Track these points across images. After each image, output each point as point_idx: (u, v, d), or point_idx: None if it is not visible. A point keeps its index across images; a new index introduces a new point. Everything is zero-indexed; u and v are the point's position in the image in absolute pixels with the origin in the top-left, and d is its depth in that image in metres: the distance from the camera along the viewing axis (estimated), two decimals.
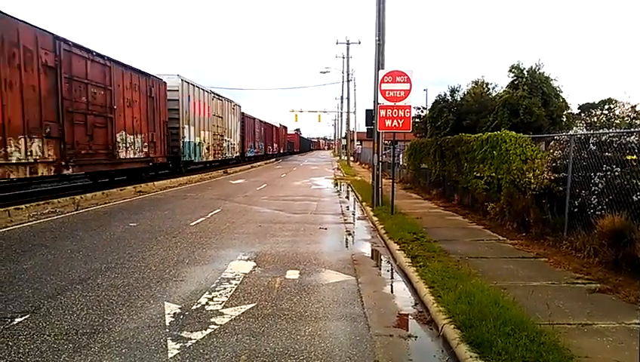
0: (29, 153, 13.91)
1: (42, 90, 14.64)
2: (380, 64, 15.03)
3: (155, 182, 23.12)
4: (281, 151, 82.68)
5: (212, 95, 34.60)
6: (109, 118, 19.03)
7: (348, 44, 53.67)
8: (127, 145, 20.81)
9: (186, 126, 28.42)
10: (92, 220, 13.03)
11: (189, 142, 29.03)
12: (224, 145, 38.46)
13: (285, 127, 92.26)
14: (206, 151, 32.83)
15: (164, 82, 25.42)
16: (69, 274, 7.51)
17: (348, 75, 56.82)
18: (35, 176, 14.68)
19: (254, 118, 54.80)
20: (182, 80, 27.55)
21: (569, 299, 6.24)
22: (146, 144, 22.75)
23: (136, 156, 21.65)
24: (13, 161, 13.33)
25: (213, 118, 34.66)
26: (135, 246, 9.74)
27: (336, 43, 55.71)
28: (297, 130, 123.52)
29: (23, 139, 13.66)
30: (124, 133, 20.42)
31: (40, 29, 14.67)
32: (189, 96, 28.67)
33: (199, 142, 31.08)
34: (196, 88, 30.32)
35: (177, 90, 27.00)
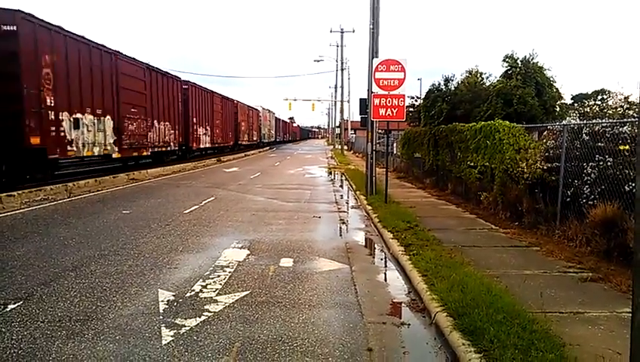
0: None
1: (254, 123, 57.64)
2: (374, 52, 14.98)
3: (149, 170, 23.08)
4: (289, 139, 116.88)
5: (267, 110, 71.51)
6: (254, 126, 58.61)
7: (342, 32, 53.46)
8: (248, 136, 54.85)
9: (262, 126, 65.65)
10: (85, 207, 12.98)
11: (263, 133, 66.32)
12: (270, 134, 74.89)
13: (292, 121, 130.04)
14: (266, 137, 69.53)
15: (258, 110, 61.62)
16: (62, 262, 7.49)
17: (342, 63, 56.74)
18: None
19: (279, 118, 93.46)
20: (262, 107, 65.25)
21: (561, 287, 6.29)
22: (256, 135, 60.06)
23: (255, 139, 60.07)
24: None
25: (267, 122, 71.24)
26: (128, 233, 9.72)
27: (330, 31, 55.53)
28: (291, 118, 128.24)
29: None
30: (251, 131, 56.70)
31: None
32: (262, 112, 65.32)
33: (264, 133, 68.04)
34: (265, 109, 68.18)
35: (260, 111, 63.88)
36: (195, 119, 33.42)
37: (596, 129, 8.94)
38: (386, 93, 13.33)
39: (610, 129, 8.59)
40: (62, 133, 16.64)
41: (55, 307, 5.56)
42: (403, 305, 6.14)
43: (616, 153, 8.11)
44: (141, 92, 23.86)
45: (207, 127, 37.16)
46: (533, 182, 10.10)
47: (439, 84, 20.91)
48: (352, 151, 57.81)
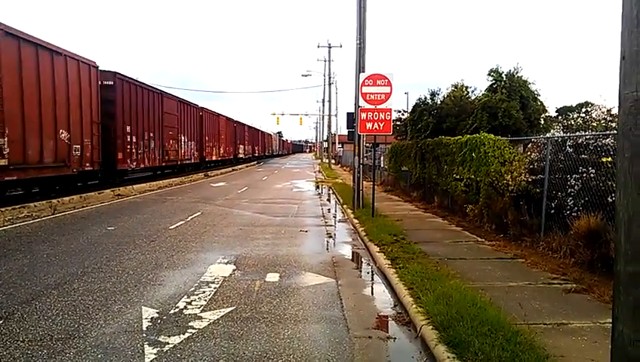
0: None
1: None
2: (360, 67, 15.09)
3: (134, 186, 22.85)
4: (285, 153, 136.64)
5: (277, 133, 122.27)
6: (270, 144, 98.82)
7: (329, 47, 53.89)
8: (267, 150, 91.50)
9: (273, 145, 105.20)
10: (69, 224, 12.83)
11: (274, 148, 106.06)
12: (275, 149, 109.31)
13: (281, 137, 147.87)
14: (275, 151, 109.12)
15: (271, 134, 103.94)
16: (45, 279, 7.38)
17: (329, 78, 57.11)
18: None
19: (281, 138, 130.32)
20: (274, 133, 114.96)
21: (545, 299, 6.32)
22: (269, 150, 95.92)
23: (269, 152, 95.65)
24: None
25: (274, 141, 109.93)
26: (113, 250, 9.61)
27: (318, 46, 56.30)
28: (279, 132, 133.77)
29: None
30: (269, 148, 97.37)
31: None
32: (273, 135, 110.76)
33: (274, 149, 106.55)
34: (275, 133, 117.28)
35: (274, 136, 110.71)
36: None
37: (579, 141, 9.05)
38: (373, 107, 13.43)
39: (593, 141, 8.70)
40: None
41: (36, 326, 5.46)
42: (389, 318, 6.12)
43: (599, 165, 8.20)
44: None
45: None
46: (518, 195, 10.17)
47: (425, 97, 21.12)
48: (339, 165, 57.96)
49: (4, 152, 13.90)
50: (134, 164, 24.56)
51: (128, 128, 23.73)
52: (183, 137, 33.07)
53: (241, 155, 57.82)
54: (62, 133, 17.18)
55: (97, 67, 20.52)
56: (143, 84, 26.41)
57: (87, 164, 19.17)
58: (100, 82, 20.70)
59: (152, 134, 26.93)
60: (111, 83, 22.13)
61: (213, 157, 42.86)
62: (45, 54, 16.35)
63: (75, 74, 18.29)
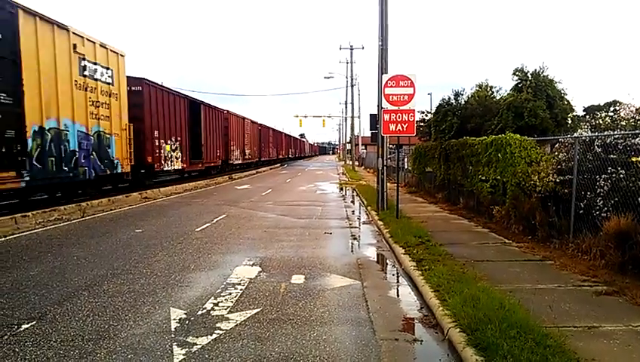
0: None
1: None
2: (383, 69, 15.05)
3: (161, 189, 23.22)
4: (312, 155, 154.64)
5: (306, 139, 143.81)
6: (302, 147, 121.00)
7: (351, 49, 53.76)
8: (303, 152, 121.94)
9: (305, 148, 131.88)
10: (98, 226, 13.09)
11: (305, 151, 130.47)
12: (306, 151, 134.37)
13: (312, 143, 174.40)
14: (306, 153, 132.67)
15: (304, 140, 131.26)
16: (75, 281, 7.54)
17: (352, 80, 56.97)
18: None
19: (310, 143, 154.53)
20: (305, 139, 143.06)
21: (575, 301, 6.21)
22: (302, 152, 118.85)
23: (303, 154, 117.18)
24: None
25: (306, 146, 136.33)
26: (141, 252, 9.77)
27: (340, 48, 55.81)
28: (302, 135, 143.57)
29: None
30: (303, 150, 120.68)
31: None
32: (305, 141, 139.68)
33: (306, 152, 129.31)
34: (305, 139, 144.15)
35: (305, 141, 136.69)
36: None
37: (608, 141, 8.87)
38: (396, 108, 13.37)
39: (622, 141, 8.52)
40: None
41: (68, 326, 5.59)
42: (415, 320, 6.09)
43: (628, 165, 8.04)
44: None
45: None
46: (545, 195, 10.03)
47: (449, 98, 20.97)
48: (362, 167, 57.79)
49: (248, 153, 44.44)
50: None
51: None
52: (270, 145, 62.70)
53: (290, 155, 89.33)
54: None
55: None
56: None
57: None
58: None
59: (262, 144, 54.58)
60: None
61: (280, 156, 72.39)
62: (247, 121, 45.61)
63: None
